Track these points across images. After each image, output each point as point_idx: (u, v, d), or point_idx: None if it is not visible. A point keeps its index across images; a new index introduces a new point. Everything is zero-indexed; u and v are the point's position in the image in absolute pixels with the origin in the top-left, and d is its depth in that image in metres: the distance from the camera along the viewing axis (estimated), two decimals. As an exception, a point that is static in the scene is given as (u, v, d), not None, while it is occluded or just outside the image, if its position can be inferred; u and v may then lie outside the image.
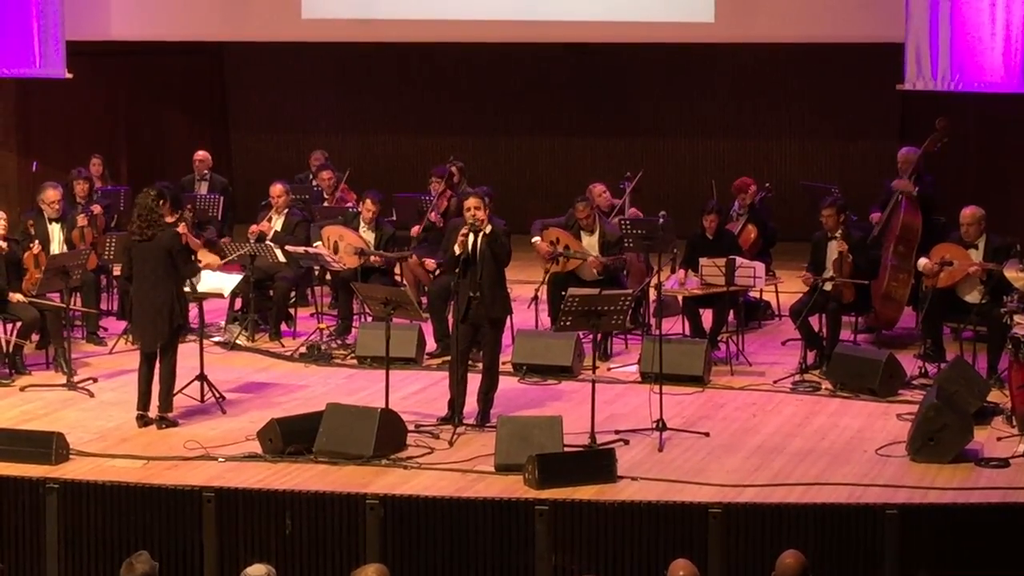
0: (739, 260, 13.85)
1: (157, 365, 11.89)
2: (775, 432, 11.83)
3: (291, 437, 11.10)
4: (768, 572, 7.91)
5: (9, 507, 10.52)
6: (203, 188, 17.65)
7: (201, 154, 17.97)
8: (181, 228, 12.24)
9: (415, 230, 15.59)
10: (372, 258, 14.48)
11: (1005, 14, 16.17)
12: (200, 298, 12.89)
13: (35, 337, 13.83)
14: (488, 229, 11.72)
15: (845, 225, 13.79)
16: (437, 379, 13.02)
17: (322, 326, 14.56)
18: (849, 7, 17.54)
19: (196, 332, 13.00)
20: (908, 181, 14.60)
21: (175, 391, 12.03)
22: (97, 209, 15.35)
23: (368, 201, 14.91)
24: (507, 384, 12.74)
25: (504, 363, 12.89)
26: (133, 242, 11.92)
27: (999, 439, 11.42)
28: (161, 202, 11.89)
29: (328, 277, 15.61)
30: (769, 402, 12.69)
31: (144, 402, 11.91)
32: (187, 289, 12.24)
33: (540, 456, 10.43)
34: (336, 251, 14.49)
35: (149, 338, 11.89)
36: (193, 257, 13.16)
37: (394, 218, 16.28)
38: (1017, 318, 12.08)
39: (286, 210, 15.23)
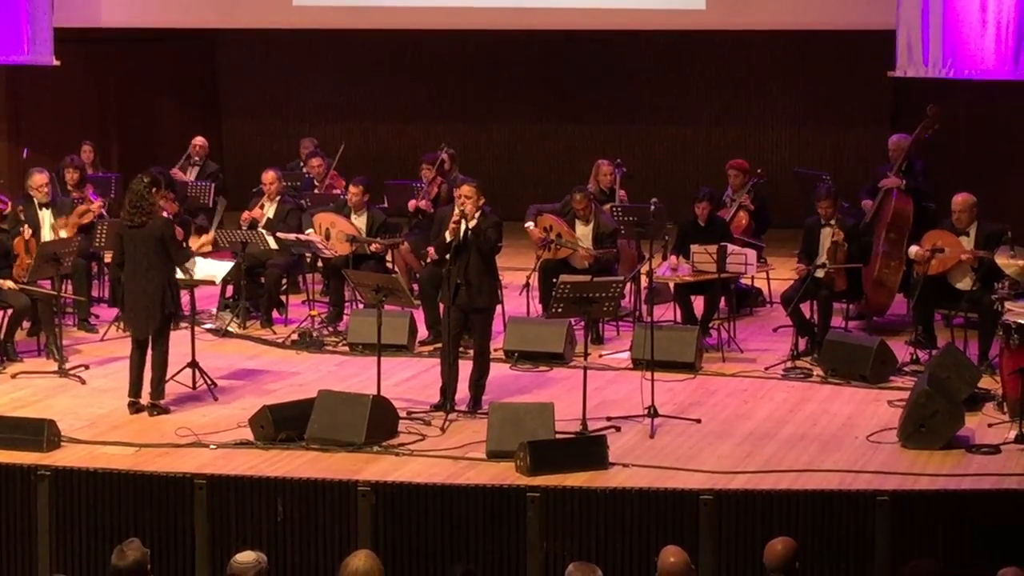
0: (730, 247, 13.88)
1: (149, 352, 11.89)
2: (766, 419, 11.84)
3: (282, 424, 11.10)
4: (759, 558, 7.92)
5: (0, 494, 10.51)
6: (191, 175, 17.61)
7: (199, 140, 17.95)
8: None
9: (412, 204, 15.62)
10: (372, 246, 14.48)
11: (996, 0, 16.16)
12: (191, 285, 12.88)
13: (26, 324, 13.82)
14: (473, 223, 11.72)
15: (838, 212, 13.81)
16: (428, 366, 13.01)
17: (313, 313, 14.56)
18: (840, -6, 17.60)
19: (187, 319, 12.99)
20: (895, 177, 14.59)
21: (167, 378, 12.03)
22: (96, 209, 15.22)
23: (351, 186, 14.92)
24: (499, 371, 12.74)
25: (496, 350, 12.90)
26: (125, 228, 11.90)
27: (990, 425, 11.44)
28: (153, 189, 11.87)
29: (319, 264, 15.61)
30: (760, 389, 12.71)
31: (136, 389, 11.90)
32: (181, 276, 12.21)
33: (531, 443, 10.43)
34: (328, 238, 14.50)
35: (141, 325, 11.88)
36: (185, 245, 13.20)
37: (385, 205, 16.28)
38: (1008, 304, 12.10)
39: (278, 197, 15.22)
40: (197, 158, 17.79)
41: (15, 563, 10.49)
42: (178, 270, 12.05)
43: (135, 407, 11.88)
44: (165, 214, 14.16)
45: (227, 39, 21.63)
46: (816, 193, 14.07)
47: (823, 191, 13.97)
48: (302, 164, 17.70)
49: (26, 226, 13.87)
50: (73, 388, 12.70)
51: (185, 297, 12.92)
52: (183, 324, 13.17)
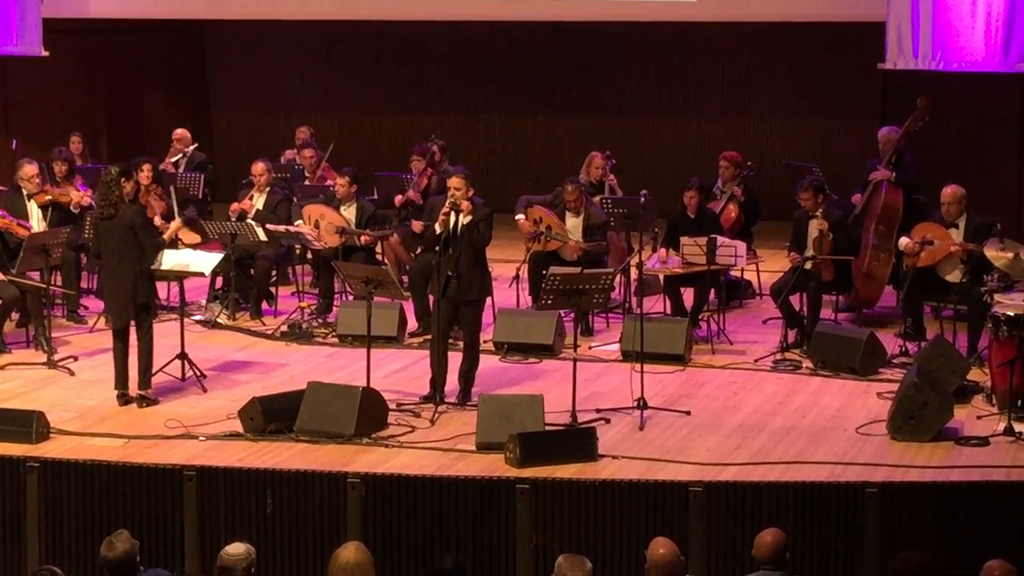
0: (720, 239, 13.88)
1: (135, 342, 11.86)
2: (756, 411, 11.85)
3: (272, 416, 11.09)
4: (748, 550, 7.93)
5: (-11, 486, 10.52)
6: (181, 167, 17.56)
7: (179, 132, 17.92)
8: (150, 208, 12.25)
9: (399, 199, 15.61)
10: (362, 238, 14.47)
11: (986, -7, 16.21)
12: (180, 276, 12.85)
13: (15, 315, 13.80)
14: (467, 219, 11.72)
15: (825, 204, 13.82)
16: (418, 358, 13.00)
17: (303, 305, 14.54)
18: (830, -14, 17.61)
19: (177, 310, 12.96)
20: (885, 171, 14.61)
21: (155, 369, 12.01)
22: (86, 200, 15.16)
23: (338, 177, 14.92)
24: (488, 362, 12.75)
25: (485, 341, 12.89)
26: (98, 220, 11.93)
27: (979, 418, 11.46)
28: (123, 180, 11.86)
29: (309, 256, 15.59)
30: (750, 381, 12.71)
31: (122, 380, 11.88)
32: (166, 266, 12.15)
33: (521, 435, 10.44)
34: (317, 229, 14.48)
35: (116, 315, 11.91)
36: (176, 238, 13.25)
37: (375, 196, 16.27)
38: (997, 297, 12.12)
39: (268, 188, 15.20)
40: (186, 151, 17.73)
41: (4, 555, 10.48)
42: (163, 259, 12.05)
43: (123, 398, 11.88)
44: (158, 218, 14.18)
45: (216, 30, 21.58)
46: (798, 185, 14.10)
47: (804, 183, 14.01)
48: (281, 156, 17.71)
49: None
50: (62, 380, 12.68)
51: (174, 289, 12.87)
52: (172, 316, 13.14)
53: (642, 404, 11.51)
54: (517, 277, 14.73)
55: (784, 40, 19.80)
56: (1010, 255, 12.51)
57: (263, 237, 14.46)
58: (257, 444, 10.93)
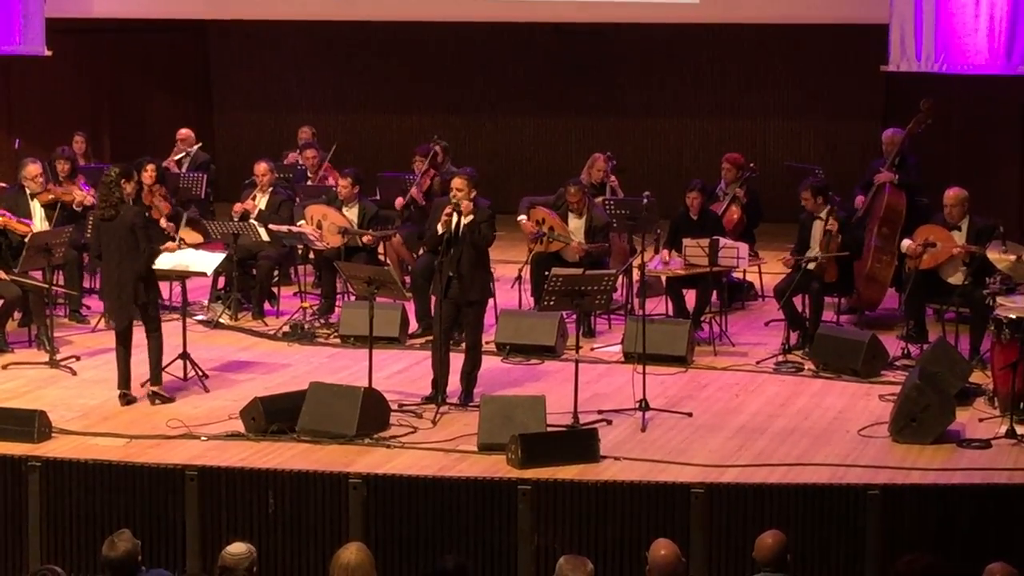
0: (722, 241, 13.88)
1: (137, 343, 11.85)
2: (758, 412, 11.84)
3: (274, 416, 11.09)
4: (750, 552, 7.93)
5: (-9, 485, 10.52)
6: (184, 166, 17.55)
7: (184, 131, 17.92)
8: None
9: (399, 202, 15.62)
10: (364, 238, 14.47)
11: (989, -5, 16.21)
12: (182, 276, 12.85)
13: (17, 315, 13.80)
14: (468, 219, 11.72)
15: (831, 205, 13.81)
16: (420, 358, 13.00)
17: (305, 305, 14.54)
18: (833, -12, 17.60)
19: (179, 310, 12.96)
20: (889, 172, 14.61)
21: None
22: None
23: (340, 179, 14.94)
24: (490, 364, 12.74)
25: (487, 343, 12.89)
26: (99, 221, 11.93)
27: (981, 420, 11.46)
28: (123, 181, 11.85)
29: (311, 256, 15.59)
30: (752, 382, 12.71)
31: (124, 381, 11.89)
32: (164, 265, 12.13)
33: (523, 436, 10.43)
34: (320, 230, 14.49)
35: (118, 316, 11.92)
36: (175, 237, 13.23)
37: (377, 197, 16.26)
38: (1000, 299, 12.12)
39: (270, 189, 15.21)
40: (190, 150, 17.73)
41: (6, 554, 10.48)
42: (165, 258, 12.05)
43: (126, 398, 11.88)
44: (164, 221, 14.19)
45: (220, 29, 21.58)
46: (800, 186, 14.10)
47: (804, 184, 14.01)
48: (284, 157, 17.71)
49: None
50: (64, 379, 12.68)
51: (176, 289, 12.86)
52: (174, 316, 13.14)
53: (644, 405, 11.51)
54: (519, 278, 14.73)
55: (786, 42, 19.80)
56: (1012, 258, 12.52)
57: (265, 237, 14.46)
58: (259, 444, 10.93)
